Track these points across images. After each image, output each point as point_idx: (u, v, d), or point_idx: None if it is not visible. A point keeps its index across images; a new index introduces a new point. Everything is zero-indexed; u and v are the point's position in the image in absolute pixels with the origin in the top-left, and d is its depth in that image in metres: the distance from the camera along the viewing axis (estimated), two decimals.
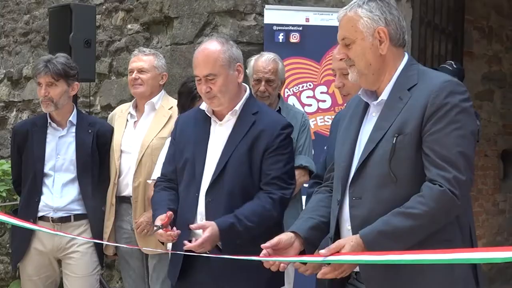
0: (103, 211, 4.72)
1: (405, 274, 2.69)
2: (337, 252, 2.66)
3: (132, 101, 4.90)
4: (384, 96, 2.82)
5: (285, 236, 2.94)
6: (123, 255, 4.81)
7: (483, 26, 8.63)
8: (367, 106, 2.94)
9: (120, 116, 4.84)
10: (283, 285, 3.63)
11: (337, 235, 2.87)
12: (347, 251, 2.64)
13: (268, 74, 4.64)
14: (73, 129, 4.69)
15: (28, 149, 4.64)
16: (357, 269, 2.83)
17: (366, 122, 2.90)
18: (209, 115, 3.62)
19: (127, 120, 4.79)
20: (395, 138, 2.69)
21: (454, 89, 2.68)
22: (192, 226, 3.35)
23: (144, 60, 4.77)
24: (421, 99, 2.69)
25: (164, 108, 4.76)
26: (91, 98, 7.12)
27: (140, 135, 4.68)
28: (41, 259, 4.64)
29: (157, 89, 4.81)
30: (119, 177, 4.68)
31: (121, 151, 4.68)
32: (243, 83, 3.65)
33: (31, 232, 4.57)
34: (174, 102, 4.76)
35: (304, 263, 2.82)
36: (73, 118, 4.70)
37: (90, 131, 4.70)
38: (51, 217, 4.58)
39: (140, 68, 4.74)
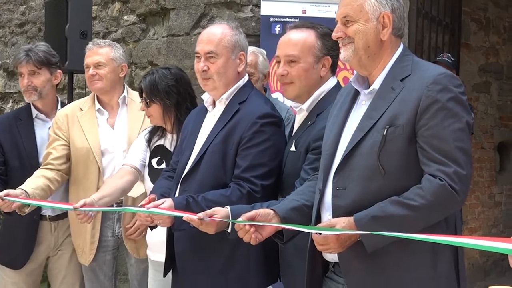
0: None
1: (386, 268, 2.68)
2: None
3: (90, 97, 4.59)
4: (376, 85, 2.78)
5: (263, 211, 2.92)
6: (92, 267, 4.49)
7: (480, 18, 8.61)
8: (356, 95, 2.90)
9: (84, 114, 4.47)
10: (277, 280, 3.58)
11: (318, 222, 2.83)
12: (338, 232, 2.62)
13: (247, 67, 4.55)
14: None
15: (15, 144, 4.49)
16: (336, 259, 2.81)
17: (355, 110, 2.87)
18: (206, 105, 3.60)
19: (97, 118, 4.47)
20: (385, 130, 2.65)
21: (450, 82, 2.65)
22: (144, 203, 3.28)
23: (99, 54, 4.41)
24: (414, 91, 2.65)
25: (135, 102, 4.45)
26: (87, 89, 7.10)
27: (122, 133, 4.44)
28: (34, 262, 4.55)
29: (118, 82, 4.50)
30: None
31: (102, 152, 4.39)
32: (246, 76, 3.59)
33: (34, 236, 4.46)
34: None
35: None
36: (60, 107, 4.62)
37: None
38: (49, 215, 4.50)
39: (96, 63, 4.40)
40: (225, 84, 3.49)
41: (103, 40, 4.64)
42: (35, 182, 4.14)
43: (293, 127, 3.52)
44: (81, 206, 3.66)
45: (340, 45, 2.86)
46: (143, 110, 4.15)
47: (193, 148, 3.54)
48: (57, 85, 4.72)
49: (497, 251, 2.18)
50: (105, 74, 4.39)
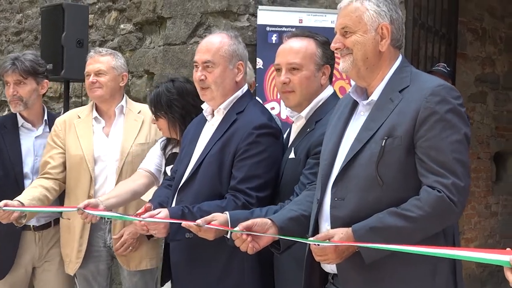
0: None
1: (385, 280, 2.66)
2: (325, 238, 2.64)
3: (89, 105, 4.57)
4: (374, 96, 2.78)
5: (261, 221, 2.92)
6: (86, 276, 4.44)
7: (476, 28, 8.61)
8: (355, 105, 2.89)
9: (81, 122, 4.45)
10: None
11: (315, 235, 2.81)
12: (335, 241, 2.61)
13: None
14: (47, 129, 4.55)
15: None
16: (335, 271, 2.80)
17: (354, 120, 2.86)
18: (205, 114, 3.59)
19: (93, 126, 4.44)
20: (384, 141, 2.64)
21: (448, 93, 2.64)
22: (140, 212, 3.28)
23: (101, 62, 4.39)
24: (413, 102, 2.65)
25: (133, 112, 4.50)
26: (84, 98, 7.08)
27: (116, 142, 4.40)
28: (19, 272, 4.48)
29: (118, 91, 4.47)
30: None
31: (95, 160, 4.34)
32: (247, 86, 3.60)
33: (17, 245, 4.40)
34: (140, 105, 4.64)
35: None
36: (46, 117, 4.57)
37: None
38: (33, 225, 4.43)
39: (97, 71, 4.37)
40: (223, 94, 3.48)
41: (105, 49, 4.61)
42: (32, 192, 4.12)
43: (289, 137, 3.51)
44: (85, 207, 3.64)
45: (338, 56, 2.87)
46: (154, 123, 4.22)
47: (191, 157, 3.53)
48: (44, 94, 4.67)
49: (493, 263, 2.17)
50: (105, 82, 4.37)
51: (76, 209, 3.67)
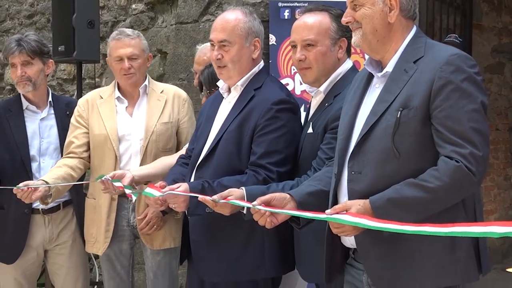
0: (85, 194, 4.52)
1: (404, 254, 2.65)
2: (343, 212, 2.62)
3: (111, 85, 4.51)
4: (389, 68, 2.76)
5: (279, 195, 2.91)
6: (109, 256, 4.45)
7: None
8: (370, 78, 2.87)
9: (104, 102, 4.41)
10: (293, 269, 3.54)
11: None
12: (352, 213, 2.59)
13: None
14: (52, 111, 4.54)
15: (4, 136, 4.41)
16: (355, 245, 2.79)
17: (369, 93, 2.85)
18: (221, 92, 3.58)
19: (116, 106, 4.41)
20: (399, 112, 2.62)
21: (463, 62, 2.61)
22: (163, 190, 3.24)
23: (132, 45, 4.30)
24: (427, 72, 2.62)
25: (156, 92, 4.46)
26: (97, 79, 7.08)
27: (140, 122, 4.37)
28: (30, 256, 4.49)
29: (145, 73, 4.46)
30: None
31: (119, 139, 4.33)
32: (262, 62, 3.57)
33: (26, 229, 4.41)
34: (162, 85, 4.64)
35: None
36: (51, 98, 4.56)
37: (68, 112, 4.52)
38: (42, 209, 4.43)
39: (130, 55, 4.29)
40: (240, 72, 3.47)
41: (130, 30, 4.49)
42: (56, 172, 4.13)
43: (308, 112, 3.48)
44: (113, 177, 3.66)
45: (352, 29, 2.84)
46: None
47: (208, 135, 3.53)
48: (53, 75, 4.66)
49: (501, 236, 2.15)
50: (138, 67, 4.34)
51: (99, 177, 3.69)
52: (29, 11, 8.41)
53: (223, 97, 3.61)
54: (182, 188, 3.20)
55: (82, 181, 4.49)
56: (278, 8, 5.67)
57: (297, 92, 5.44)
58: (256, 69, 3.53)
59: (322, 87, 3.37)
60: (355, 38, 2.80)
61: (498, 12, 8.64)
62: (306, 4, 5.61)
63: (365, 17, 2.74)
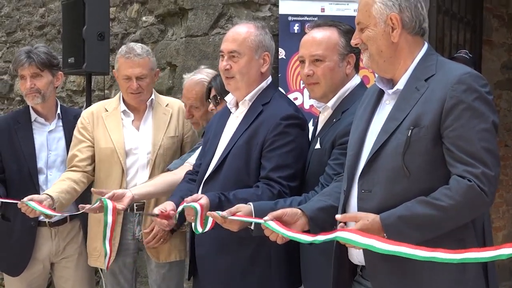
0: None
1: (413, 273, 2.63)
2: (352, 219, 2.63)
3: (116, 98, 4.53)
4: (400, 85, 2.75)
5: (291, 211, 2.89)
6: (113, 270, 4.43)
7: (502, 14, 8.50)
8: (381, 95, 2.86)
9: (109, 115, 4.43)
10: (300, 285, 3.52)
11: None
12: (359, 227, 2.57)
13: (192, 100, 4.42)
14: (60, 123, 4.55)
15: (12, 147, 4.41)
16: (363, 262, 2.77)
17: (379, 110, 2.84)
18: (229, 106, 3.58)
19: (122, 119, 4.42)
20: (410, 131, 2.61)
21: (475, 81, 2.60)
22: (187, 199, 3.22)
23: (141, 65, 4.31)
24: (438, 91, 2.60)
25: (161, 105, 4.50)
26: (106, 91, 7.09)
27: (147, 135, 4.40)
28: (36, 269, 4.49)
29: (152, 89, 4.50)
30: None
31: (126, 152, 4.34)
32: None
33: (33, 242, 4.40)
34: (167, 98, 4.68)
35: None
36: (59, 111, 4.56)
37: (76, 124, 4.49)
38: (49, 222, 4.42)
39: (138, 75, 4.32)
40: (248, 84, 3.47)
41: (139, 47, 4.43)
42: (60, 185, 4.13)
43: (316, 127, 3.49)
44: (112, 197, 3.61)
45: (361, 50, 2.86)
46: (212, 110, 4.16)
47: (216, 150, 3.53)
48: (62, 87, 4.67)
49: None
50: (146, 86, 4.37)
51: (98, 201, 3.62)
52: (40, 23, 8.44)
53: (231, 112, 3.61)
54: (203, 200, 3.17)
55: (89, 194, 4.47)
56: (288, 22, 5.68)
57: (306, 106, 5.44)
58: (264, 84, 3.53)
59: (330, 103, 3.36)
60: (364, 59, 2.82)
61: (509, 28, 8.62)
62: (316, 19, 5.63)
63: (369, 39, 2.76)
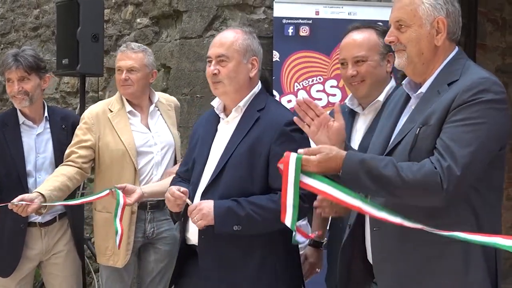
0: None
1: (418, 273, 2.63)
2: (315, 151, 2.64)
3: (116, 99, 4.55)
4: (423, 89, 2.74)
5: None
6: (119, 270, 4.47)
7: (496, 18, 8.52)
8: (408, 98, 2.85)
9: (115, 116, 4.45)
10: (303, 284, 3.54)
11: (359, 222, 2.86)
12: (320, 158, 2.61)
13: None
14: (48, 125, 4.54)
15: (1, 150, 4.41)
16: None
17: (404, 114, 2.82)
18: (217, 112, 3.52)
19: (129, 119, 4.46)
20: (419, 129, 2.61)
21: (488, 86, 2.57)
22: (193, 205, 3.26)
23: (133, 58, 4.43)
24: (452, 93, 2.59)
25: (163, 103, 4.62)
26: (100, 93, 7.09)
27: (158, 133, 4.48)
28: (26, 268, 4.50)
29: (147, 88, 4.53)
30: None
31: (138, 152, 4.38)
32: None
33: (22, 242, 4.41)
34: (163, 94, 4.78)
35: None
36: (46, 113, 4.56)
37: (64, 126, 4.55)
38: (39, 222, 4.44)
39: (129, 67, 4.41)
40: (236, 89, 3.41)
41: (137, 45, 4.61)
42: (52, 182, 4.14)
43: (351, 130, 3.51)
44: (122, 190, 3.80)
45: (395, 50, 2.82)
46: None
47: (207, 157, 3.46)
48: (44, 89, 4.65)
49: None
50: (137, 80, 4.42)
51: (107, 190, 3.81)
52: (34, 24, 8.43)
53: (219, 117, 3.53)
54: (204, 206, 3.21)
55: (77, 193, 4.49)
56: (282, 25, 5.68)
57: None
58: (256, 89, 3.48)
59: (381, 96, 3.45)
60: (399, 60, 2.77)
61: (502, 32, 8.64)
62: (310, 22, 5.64)
63: (411, 40, 2.71)
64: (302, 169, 2.61)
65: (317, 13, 5.70)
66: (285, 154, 2.65)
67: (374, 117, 3.45)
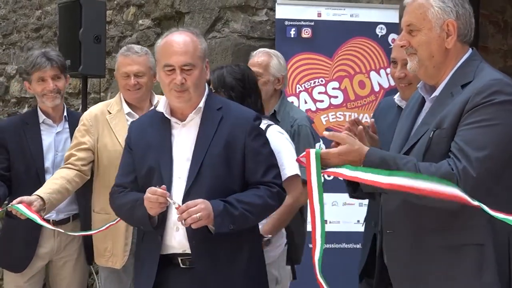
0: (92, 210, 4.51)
1: (431, 276, 2.64)
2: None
3: (116, 100, 4.52)
4: (437, 91, 2.74)
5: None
6: (117, 271, 4.44)
7: (498, 20, 8.52)
8: (424, 101, 2.85)
9: (114, 117, 4.43)
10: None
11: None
12: (342, 149, 2.64)
13: (257, 67, 4.44)
14: (67, 125, 4.60)
15: (21, 147, 4.47)
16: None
17: (420, 116, 2.82)
18: (168, 117, 3.39)
19: (127, 120, 4.35)
20: (432, 132, 2.61)
21: (500, 88, 2.58)
22: (189, 203, 3.15)
23: (139, 63, 4.40)
24: (466, 95, 2.59)
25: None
26: (102, 94, 7.09)
27: None
28: (37, 265, 4.53)
29: (151, 89, 4.53)
30: None
31: None
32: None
33: (36, 239, 4.44)
34: (159, 96, 4.64)
35: None
36: (66, 113, 4.63)
37: None
38: (52, 220, 4.41)
39: (137, 72, 4.38)
40: (198, 94, 3.34)
41: (139, 47, 4.58)
42: (51, 185, 4.15)
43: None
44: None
45: (406, 54, 2.83)
46: None
47: (172, 163, 3.34)
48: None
49: None
50: (145, 83, 4.41)
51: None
52: (36, 25, 8.44)
53: (167, 122, 3.40)
54: (205, 205, 3.14)
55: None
56: (284, 27, 5.69)
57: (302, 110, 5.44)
58: (207, 90, 3.45)
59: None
60: (411, 64, 2.78)
61: (504, 35, 8.64)
62: (312, 24, 5.65)
63: (421, 43, 2.71)
64: (322, 164, 2.65)
65: (319, 15, 5.71)
66: (305, 150, 2.69)
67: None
